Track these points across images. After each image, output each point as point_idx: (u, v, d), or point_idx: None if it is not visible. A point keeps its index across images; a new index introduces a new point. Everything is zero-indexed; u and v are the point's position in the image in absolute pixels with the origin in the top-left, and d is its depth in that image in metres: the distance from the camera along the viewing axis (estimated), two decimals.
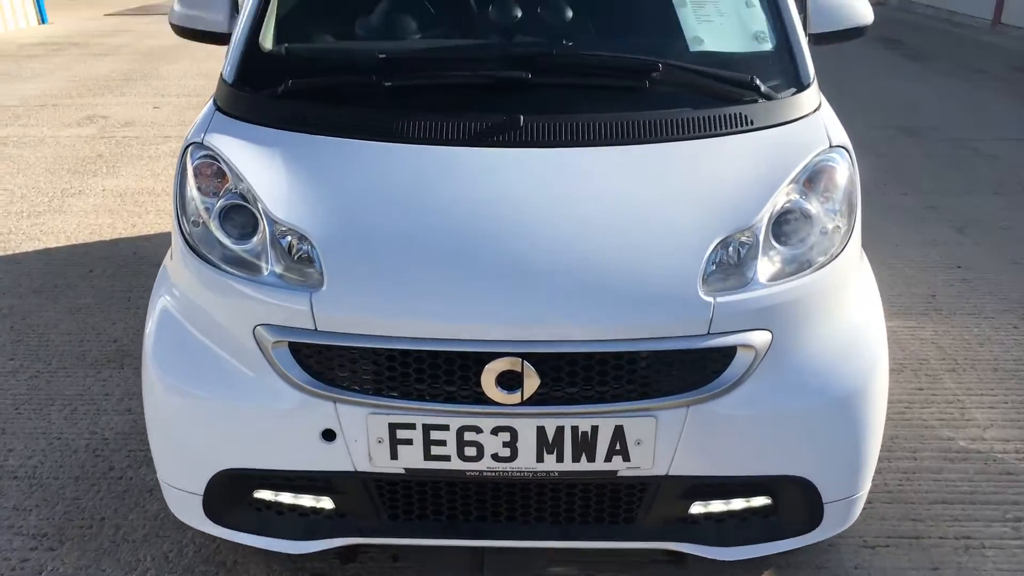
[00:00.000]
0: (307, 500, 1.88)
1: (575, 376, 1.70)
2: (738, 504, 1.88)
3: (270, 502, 1.89)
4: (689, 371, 1.73)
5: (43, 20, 12.97)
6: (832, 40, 2.41)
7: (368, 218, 1.79)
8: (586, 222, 1.77)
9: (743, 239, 1.78)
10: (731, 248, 1.77)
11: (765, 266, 1.78)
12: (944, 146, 6.09)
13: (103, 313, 3.51)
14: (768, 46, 2.18)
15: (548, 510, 1.86)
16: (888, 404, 2.76)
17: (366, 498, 1.83)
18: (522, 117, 1.89)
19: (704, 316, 1.70)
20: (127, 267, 3.98)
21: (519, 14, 2.32)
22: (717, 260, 1.75)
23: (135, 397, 2.89)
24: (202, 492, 1.86)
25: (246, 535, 1.91)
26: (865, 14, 2.42)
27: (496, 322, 1.68)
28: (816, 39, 2.38)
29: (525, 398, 1.70)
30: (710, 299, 1.70)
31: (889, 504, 2.39)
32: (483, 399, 1.70)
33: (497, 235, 1.74)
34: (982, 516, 2.36)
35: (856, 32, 2.43)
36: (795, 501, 1.87)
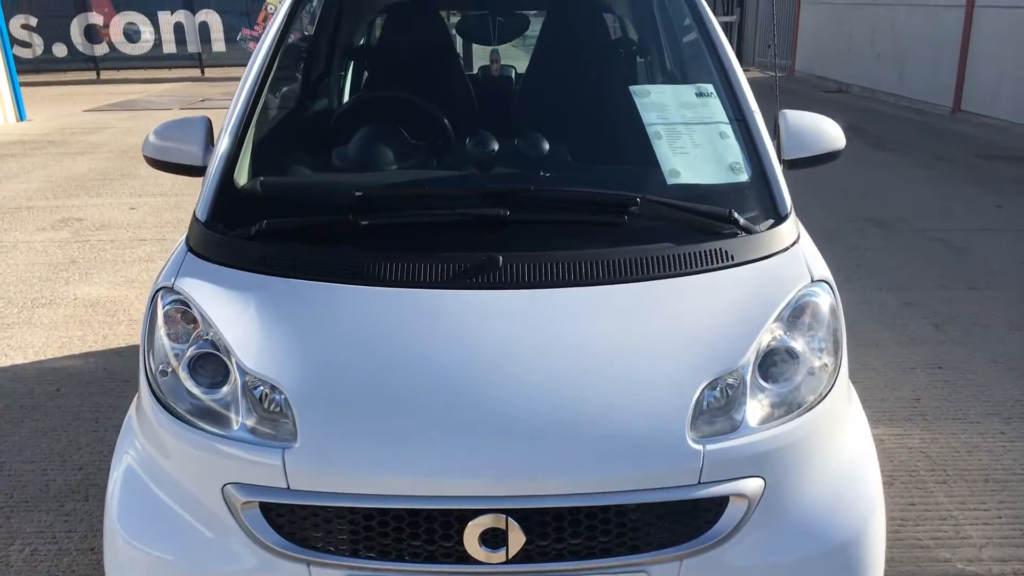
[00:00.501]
0: None
1: (562, 531, 1.63)
2: None
3: None
4: (680, 523, 1.66)
5: (21, 117, 13.03)
6: (805, 165, 2.43)
7: (343, 368, 1.73)
8: (569, 368, 1.72)
9: (730, 381, 1.74)
10: (719, 391, 1.73)
11: (754, 409, 1.74)
12: (914, 238, 6.17)
13: (69, 438, 3.38)
14: (744, 177, 2.18)
15: None
16: None
17: None
18: (500, 258, 1.86)
19: (694, 465, 1.64)
20: (96, 384, 3.87)
21: (496, 147, 2.32)
22: (705, 404, 1.71)
23: (100, 535, 2.75)
24: None
25: None
26: (837, 139, 2.45)
27: (478, 478, 1.61)
28: (789, 165, 2.40)
29: (510, 556, 1.62)
30: (699, 447, 1.65)
31: None
32: (466, 558, 1.62)
33: (477, 385, 1.69)
34: None
35: (829, 157, 2.46)
36: None
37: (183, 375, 1.78)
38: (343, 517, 1.63)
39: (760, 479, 1.69)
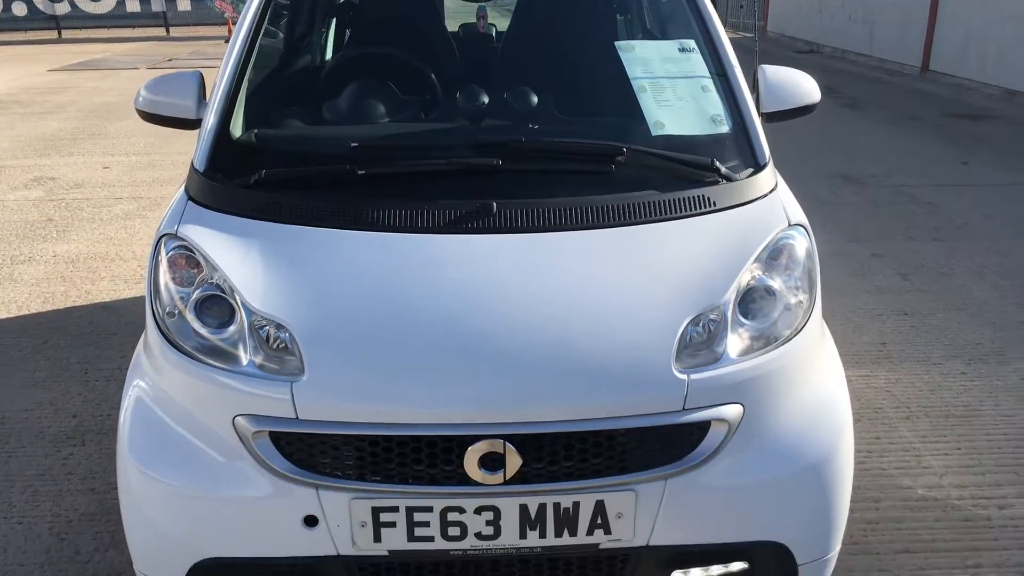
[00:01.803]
0: None
1: (556, 455, 1.74)
2: (716, 570, 1.93)
3: None
4: (666, 446, 1.78)
5: None
6: (783, 118, 2.53)
7: (345, 306, 1.82)
8: (560, 306, 1.82)
9: (712, 316, 1.85)
10: (701, 326, 1.84)
11: (734, 342, 1.85)
12: (884, 193, 6.34)
13: (61, 387, 3.44)
14: (725, 128, 2.28)
15: None
16: None
17: None
18: (495, 204, 1.95)
19: (679, 394, 1.76)
20: (82, 337, 3.92)
21: (486, 100, 2.39)
22: (689, 338, 1.82)
23: (98, 475, 2.84)
24: None
25: None
26: (812, 92, 2.54)
27: (476, 406, 1.71)
28: (768, 117, 2.50)
29: (508, 478, 1.73)
30: (683, 377, 1.76)
31: (856, 555, 2.46)
32: (466, 480, 1.73)
33: (474, 321, 1.78)
34: (944, 563, 2.45)
35: (806, 110, 2.56)
36: (770, 565, 1.92)
37: (190, 317, 1.85)
38: (349, 444, 1.72)
39: (739, 406, 1.81)
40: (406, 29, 2.96)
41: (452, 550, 1.79)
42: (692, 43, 2.41)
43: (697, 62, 2.37)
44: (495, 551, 1.80)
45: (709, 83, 2.35)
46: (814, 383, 1.97)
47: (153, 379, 1.92)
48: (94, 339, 3.90)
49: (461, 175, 2.07)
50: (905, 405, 3.30)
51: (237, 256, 1.89)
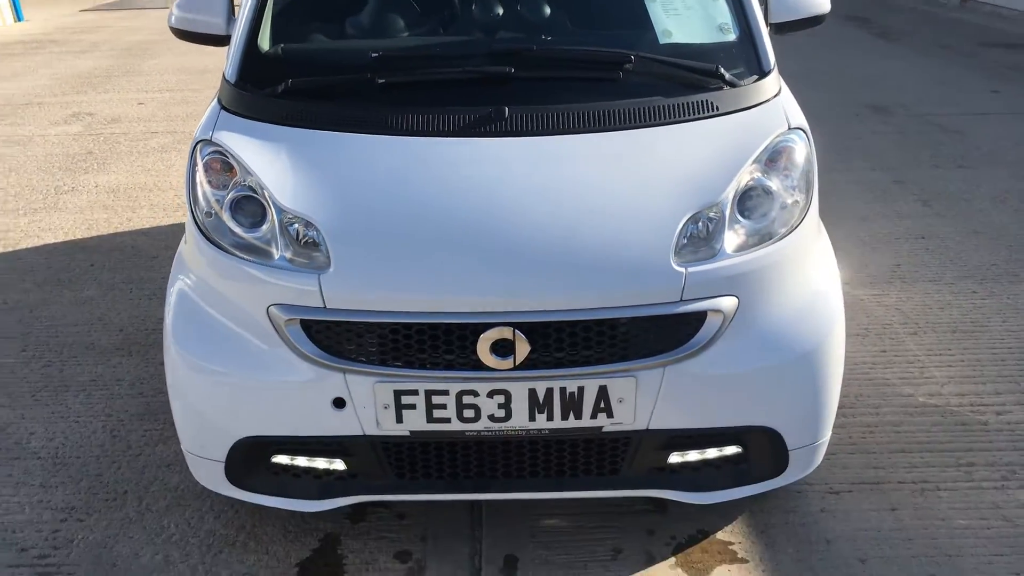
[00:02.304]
0: (321, 463, 2.05)
1: (562, 342, 1.88)
2: (712, 453, 2.08)
3: (287, 466, 2.06)
4: (664, 335, 1.91)
5: (19, 18, 12.94)
6: (792, 29, 2.59)
7: (368, 205, 1.96)
8: (568, 203, 1.95)
9: (711, 214, 1.96)
10: (700, 223, 1.95)
11: (731, 238, 1.97)
12: (911, 122, 6.30)
13: (108, 304, 3.66)
14: (732, 36, 2.36)
15: (541, 464, 2.05)
16: (853, 365, 2.98)
17: (374, 459, 2.01)
18: (507, 108, 2.06)
19: (676, 285, 1.88)
20: (127, 260, 4.12)
21: (500, 11, 2.49)
22: (688, 234, 1.94)
23: (146, 381, 3.06)
24: (224, 459, 2.03)
25: (266, 497, 2.09)
26: (821, 3, 2.60)
27: (489, 295, 1.86)
28: (776, 28, 2.57)
29: (517, 363, 1.88)
30: (682, 269, 1.89)
31: (852, 455, 2.60)
32: (479, 365, 1.88)
33: (487, 217, 1.91)
34: (938, 462, 2.57)
35: (814, 21, 2.62)
36: (763, 449, 2.07)
37: (226, 216, 2.01)
38: (372, 331, 1.88)
39: (734, 297, 1.93)
40: None
41: (467, 431, 1.96)
42: None
43: None
44: (507, 432, 1.97)
45: None
46: (807, 279, 2.08)
47: (195, 275, 2.08)
48: (137, 262, 4.10)
49: (475, 83, 2.19)
50: (913, 321, 3.40)
51: (267, 159, 2.04)
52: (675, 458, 2.06)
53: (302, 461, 2.06)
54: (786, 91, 2.33)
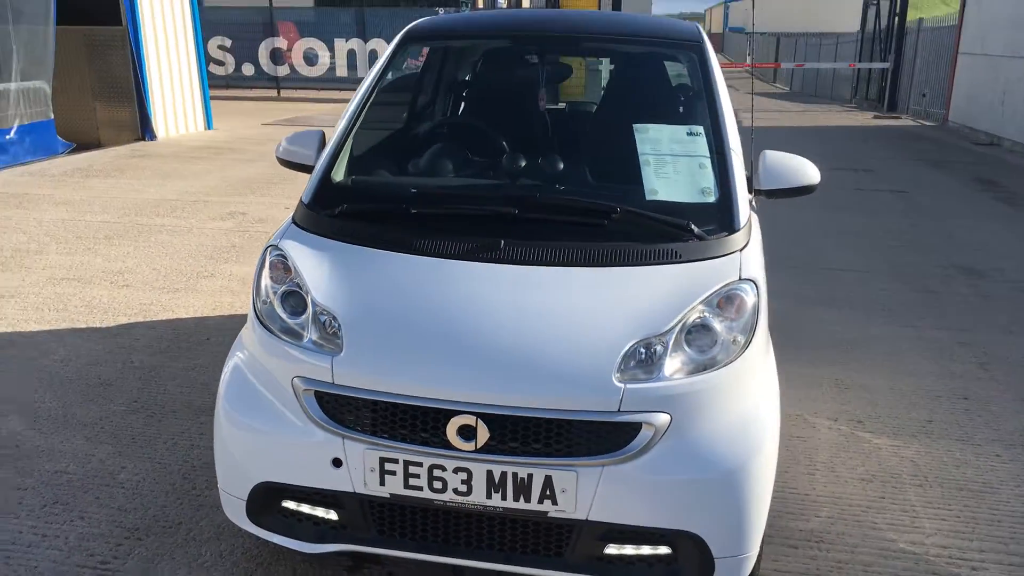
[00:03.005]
0: (319, 511, 2.50)
1: (515, 433, 2.28)
2: (646, 551, 2.37)
3: (293, 510, 2.52)
4: (603, 439, 2.28)
5: (209, 126, 14.88)
6: (782, 196, 2.99)
7: (380, 306, 2.47)
8: (535, 321, 2.39)
9: (656, 343, 2.35)
10: (646, 349, 2.33)
11: (672, 364, 2.33)
12: (1001, 287, 6.31)
13: (211, 373, 4.33)
14: (711, 199, 2.78)
15: (496, 538, 2.41)
16: (846, 507, 3.19)
17: (361, 514, 2.44)
18: (502, 241, 2.56)
19: (615, 398, 2.26)
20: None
21: (524, 164, 3.02)
22: (633, 356, 2.32)
23: None
24: (246, 498, 2.52)
25: (274, 535, 2.55)
26: (808, 175, 2.98)
27: (459, 387, 2.29)
28: (768, 194, 2.97)
29: (478, 447, 2.29)
30: (621, 385, 2.27)
31: None
32: (448, 445, 2.30)
33: (467, 326, 2.38)
34: None
35: (804, 190, 3.00)
36: (690, 553, 2.34)
37: (277, 305, 2.57)
38: (367, 407, 2.35)
39: (667, 415, 2.28)
40: (500, 104, 3.66)
41: (436, 500, 2.36)
42: (700, 129, 2.94)
43: (700, 144, 2.89)
44: (468, 506, 2.35)
45: (707, 162, 2.85)
46: (741, 406, 2.39)
47: (247, 351, 2.65)
48: None
49: (484, 219, 2.70)
50: (923, 474, 3.52)
51: (314, 264, 2.61)
52: (612, 549, 2.37)
53: (305, 508, 2.51)
54: (754, 245, 2.70)
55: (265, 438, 2.47)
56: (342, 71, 24.04)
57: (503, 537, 2.41)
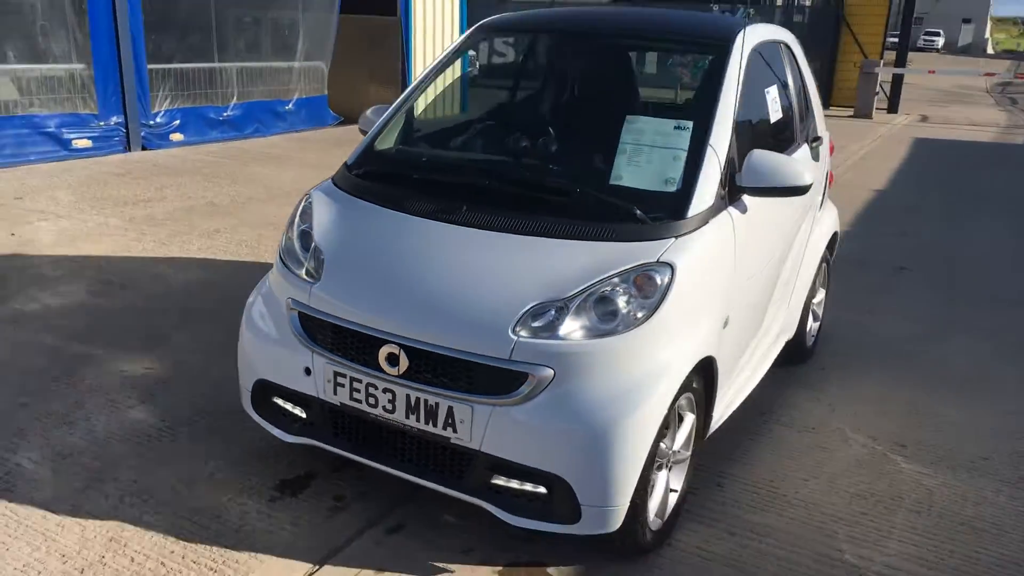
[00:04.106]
0: (297, 410, 3.10)
1: (429, 367, 2.72)
2: (527, 487, 2.69)
3: (280, 406, 3.15)
4: (495, 382, 2.64)
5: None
6: (765, 195, 3.09)
7: (355, 250, 3.02)
8: (462, 274, 2.80)
9: (559, 304, 2.65)
10: (545, 310, 2.65)
11: (569, 326, 2.63)
12: None
13: None
14: (672, 189, 2.97)
15: (413, 454, 2.86)
16: (815, 514, 3.25)
17: (322, 416, 3.00)
18: (464, 207, 2.98)
19: (507, 348, 2.61)
20: None
21: (524, 145, 3.40)
22: (533, 315, 2.65)
23: None
24: (251, 390, 3.19)
25: (266, 423, 3.19)
26: (795, 176, 3.04)
27: (388, 322, 2.77)
28: (750, 192, 3.09)
29: (400, 373, 2.76)
30: (514, 338, 2.62)
31: None
32: (379, 368, 2.80)
33: (410, 272, 2.86)
34: None
35: (793, 191, 3.06)
36: (562, 496, 2.63)
37: (295, 240, 3.19)
38: (329, 328, 2.90)
39: (551, 369, 2.59)
40: (535, 95, 4.08)
41: (370, 413, 2.86)
42: (689, 124, 3.12)
43: (683, 138, 3.08)
44: (392, 422, 2.83)
45: (682, 155, 3.04)
46: (628, 374, 2.62)
47: (269, 278, 3.31)
48: None
49: (458, 187, 3.15)
50: (930, 504, 3.37)
51: (327, 211, 3.21)
52: (499, 480, 2.72)
53: (288, 406, 3.13)
54: (706, 236, 2.89)
55: (265, 344, 3.12)
56: None
57: (419, 454, 2.86)
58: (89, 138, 9.85)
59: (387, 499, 3.16)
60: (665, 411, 2.67)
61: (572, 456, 2.61)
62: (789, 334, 4.34)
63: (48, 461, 3.34)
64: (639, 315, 2.66)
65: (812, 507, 3.31)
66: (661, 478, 2.93)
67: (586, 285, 2.68)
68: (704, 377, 3.02)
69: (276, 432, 3.17)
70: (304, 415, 3.08)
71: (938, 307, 5.91)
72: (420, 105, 3.79)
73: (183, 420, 3.72)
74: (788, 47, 4.17)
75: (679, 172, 3.02)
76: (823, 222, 4.53)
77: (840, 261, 5.79)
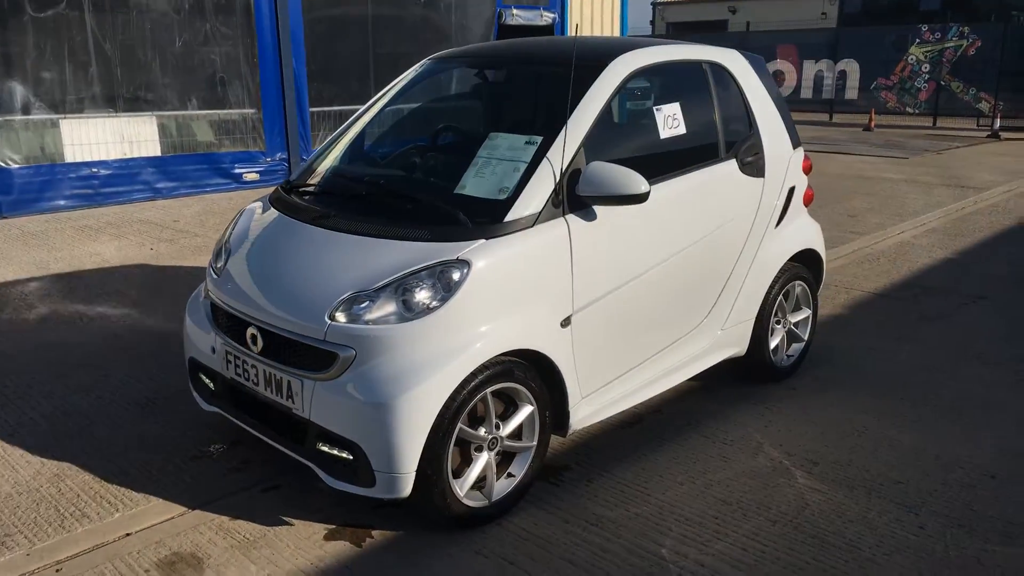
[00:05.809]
0: (210, 383, 3.72)
1: (275, 345, 3.23)
2: (343, 453, 3.09)
3: (203, 380, 3.78)
4: (315, 360, 3.10)
5: None
6: (604, 203, 3.29)
7: (247, 248, 3.60)
8: (305, 268, 3.28)
9: (369, 294, 3.06)
10: (359, 299, 3.07)
11: (375, 313, 3.03)
12: None
13: None
14: (503, 197, 3.26)
15: (274, 421, 3.36)
16: (667, 514, 3.45)
17: (223, 387, 3.59)
18: (333, 212, 3.47)
19: (322, 330, 3.06)
20: None
21: (416, 161, 3.84)
22: (348, 302, 3.07)
23: None
24: (188, 364, 3.86)
25: (195, 393, 3.83)
26: (630, 184, 3.21)
27: (247, 307, 3.32)
28: (589, 200, 3.31)
29: (259, 351, 3.29)
30: (328, 322, 3.06)
31: None
32: (247, 346, 3.35)
33: (271, 266, 3.41)
34: None
35: (626, 199, 3.24)
36: (361, 462, 3.02)
37: (223, 243, 3.83)
38: (222, 314, 3.50)
39: (353, 350, 2.99)
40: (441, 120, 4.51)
41: (246, 385, 3.41)
42: (539, 139, 3.39)
43: (529, 152, 3.36)
44: (259, 394, 3.36)
45: (523, 167, 3.32)
46: (413, 355, 2.96)
47: (206, 276, 3.98)
48: None
49: (333, 195, 3.67)
50: (793, 516, 3.32)
51: (247, 219, 3.84)
52: (324, 447, 3.15)
53: (205, 379, 3.75)
54: (526, 239, 3.17)
55: (195, 328, 3.78)
56: (807, 92, 24.01)
57: (278, 422, 3.35)
58: (257, 172, 11.39)
59: (282, 465, 3.68)
60: (450, 391, 2.98)
61: (365, 426, 2.99)
62: (736, 349, 4.34)
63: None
64: (433, 304, 3.00)
65: (666, 507, 3.39)
66: (481, 459, 3.20)
67: (393, 278, 3.06)
68: (540, 372, 3.27)
69: (200, 401, 3.81)
70: (214, 388, 3.69)
71: (994, 341, 5.45)
72: (357, 128, 4.33)
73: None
74: (724, 69, 4.24)
75: (513, 182, 3.30)
76: (783, 238, 4.47)
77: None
